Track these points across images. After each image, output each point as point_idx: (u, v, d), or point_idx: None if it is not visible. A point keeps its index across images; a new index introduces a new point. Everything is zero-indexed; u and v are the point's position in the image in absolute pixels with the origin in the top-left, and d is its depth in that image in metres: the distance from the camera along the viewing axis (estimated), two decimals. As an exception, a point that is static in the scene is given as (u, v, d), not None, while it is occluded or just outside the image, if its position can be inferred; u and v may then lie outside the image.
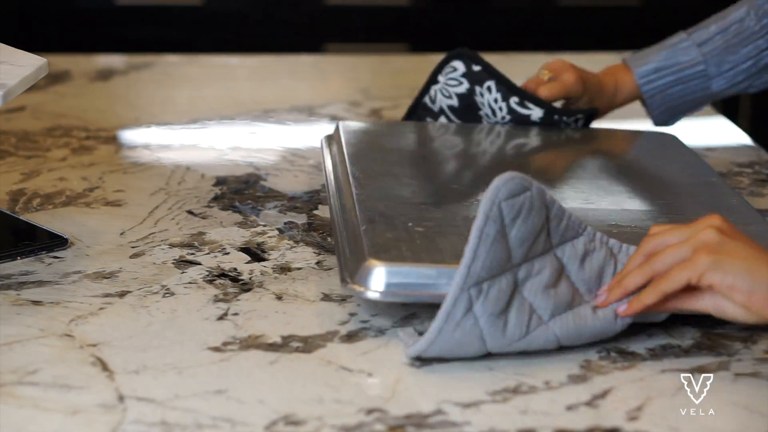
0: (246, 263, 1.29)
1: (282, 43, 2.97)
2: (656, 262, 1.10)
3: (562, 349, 1.12)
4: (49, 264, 1.28)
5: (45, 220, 1.39)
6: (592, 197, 1.34)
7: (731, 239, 1.09)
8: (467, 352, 1.08)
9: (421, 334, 1.13)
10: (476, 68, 1.58)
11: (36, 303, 1.20)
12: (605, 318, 1.11)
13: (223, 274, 1.26)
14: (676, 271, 1.08)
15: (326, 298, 1.22)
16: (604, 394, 1.05)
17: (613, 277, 1.13)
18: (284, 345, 1.12)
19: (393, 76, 2.11)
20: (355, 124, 1.56)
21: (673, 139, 1.58)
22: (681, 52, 1.60)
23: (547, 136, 1.55)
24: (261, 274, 1.27)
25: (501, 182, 1.09)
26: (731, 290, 1.07)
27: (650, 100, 1.63)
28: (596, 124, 1.64)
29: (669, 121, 1.65)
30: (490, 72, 1.57)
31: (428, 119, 1.59)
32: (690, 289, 1.09)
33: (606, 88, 1.62)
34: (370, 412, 1.02)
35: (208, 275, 1.26)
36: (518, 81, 1.59)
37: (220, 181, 1.54)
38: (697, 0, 3.07)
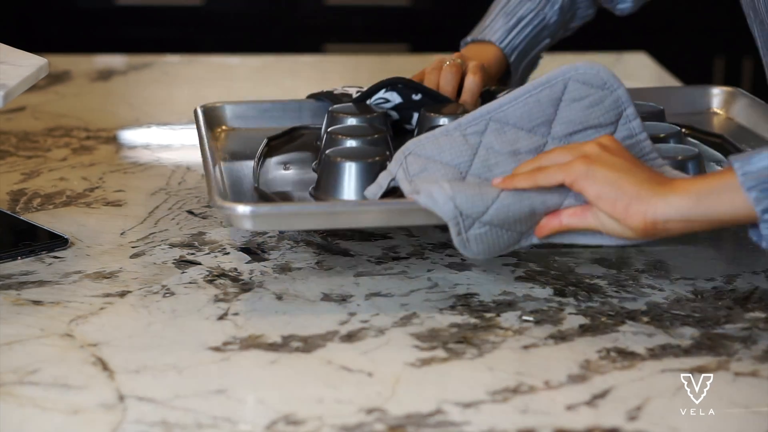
0: (246, 263, 1.29)
1: (282, 43, 2.97)
2: (541, 160, 1.18)
3: (562, 348, 1.12)
4: (50, 264, 1.29)
5: (45, 220, 1.39)
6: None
7: (611, 154, 1.14)
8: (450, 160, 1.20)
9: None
10: (416, 97, 1.48)
11: (36, 303, 1.20)
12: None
13: (223, 274, 1.26)
14: (552, 169, 1.15)
15: (326, 298, 1.22)
16: (604, 394, 1.05)
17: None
18: (284, 345, 1.12)
19: (393, 76, 2.11)
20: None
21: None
22: (517, 7, 1.60)
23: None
24: (261, 274, 1.27)
25: (581, 65, 1.22)
26: (598, 199, 1.13)
27: (514, 62, 1.60)
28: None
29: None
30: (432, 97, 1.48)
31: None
32: (581, 208, 1.16)
33: (490, 72, 1.58)
34: (370, 412, 1.02)
35: (208, 275, 1.26)
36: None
37: (220, 181, 1.54)
38: (695, 1, 3.07)
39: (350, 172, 1.26)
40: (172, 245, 1.34)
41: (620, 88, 1.24)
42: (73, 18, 3.03)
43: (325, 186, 1.28)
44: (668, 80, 2.04)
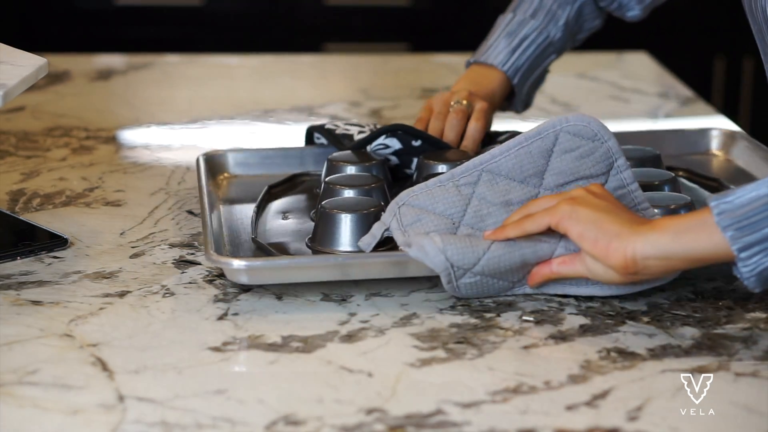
0: (246, 263, 1.29)
1: (282, 43, 2.97)
2: (529, 208, 1.21)
3: (562, 348, 1.12)
4: (49, 264, 1.28)
5: (45, 220, 1.39)
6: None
7: (596, 197, 1.17)
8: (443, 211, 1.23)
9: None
10: (416, 143, 1.48)
11: (36, 303, 1.20)
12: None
13: (223, 274, 1.26)
14: (539, 215, 1.18)
15: (326, 298, 1.22)
16: (604, 394, 1.05)
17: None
18: (284, 345, 1.12)
19: (393, 76, 2.11)
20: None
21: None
22: (519, 26, 1.60)
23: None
24: (261, 274, 1.27)
25: (572, 117, 1.25)
26: (581, 238, 1.15)
27: (518, 83, 1.60)
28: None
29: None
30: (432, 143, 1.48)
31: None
32: (570, 256, 1.19)
33: (494, 100, 1.58)
34: (370, 412, 1.02)
35: (207, 275, 1.26)
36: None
37: (220, 181, 1.54)
38: (695, 1, 3.07)
39: (346, 224, 1.28)
40: (172, 245, 1.33)
41: (611, 140, 1.26)
42: (73, 18, 3.03)
43: (321, 237, 1.29)
44: (668, 80, 2.04)
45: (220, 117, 1.83)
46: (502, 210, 1.23)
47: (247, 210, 1.39)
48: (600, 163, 1.25)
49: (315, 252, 1.28)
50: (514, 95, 1.61)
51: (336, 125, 1.54)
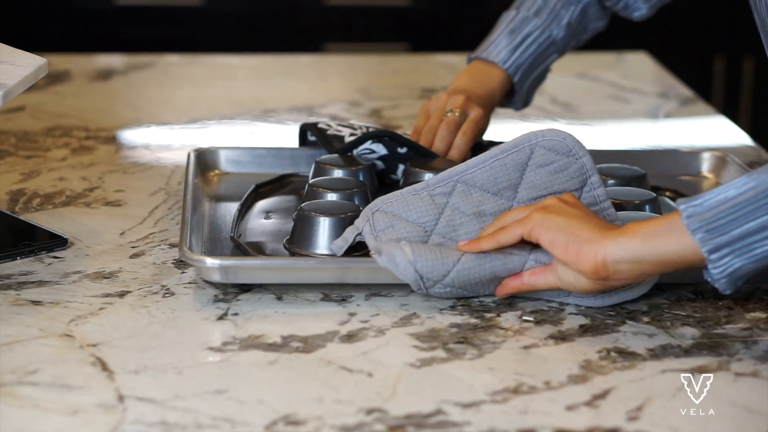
0: (246, 263, 1.29)
1: (282, 43, 2.97)
2: (503, 218, 1.22)
3: (562, 348, 1.12)
4: (49, 264, 1.28)
5: (45, 220, 1.39)
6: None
7: (568, 206, 1.18)
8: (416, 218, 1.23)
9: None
10: (401, 150, 1.49)
11: (36, 303, 1.20)
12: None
13: (223, 274, 1.26)
14: (512, 226, 1.19)
15: (326, 298, 1.22)
16: (604, 394, 1.05)
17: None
18: (284, 345, 1.12)
19: (393, 76, 2.11)
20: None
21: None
22: (522, 24, 1.59)
23: None
24: (261, 274, 1.27)
25: (548, 131, 1.27)
26: (552, 244, 1.16)
27: (518, 81, 1.60)
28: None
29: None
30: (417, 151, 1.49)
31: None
32: (541, 268, 1.19)
33: (494, 98, 1.59)
34: (370, 412, 1.02)
35: (208, 275, 1.26)
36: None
37: (220, 181, 1.54)
38: (695, 1, 3.07)
39: (323, 227, 1.28)
40: (172, 245, 1.33)
41: (585, 156, 1.27)
42: (73, 18, 3.03)
43: (298, 239, 1.29)
44: (668, 80, 2.04)
45: (220, 117, 1.83)
46: (475, 221, 1.24)
47: (233, 208, 1.40)
48: (574, 179, 1.26)
49: (291, 253, 1.28)
50: (515, 93, 1.61)
51: (329, 125, 1.55)
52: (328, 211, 1.29)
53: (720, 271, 1.11)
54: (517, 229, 1.18)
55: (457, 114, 1.52)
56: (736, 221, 1.10)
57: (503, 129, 1.71)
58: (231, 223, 1.35)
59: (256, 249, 1.29)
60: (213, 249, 1.30)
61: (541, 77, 1.63)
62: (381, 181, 1.48)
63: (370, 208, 1.25)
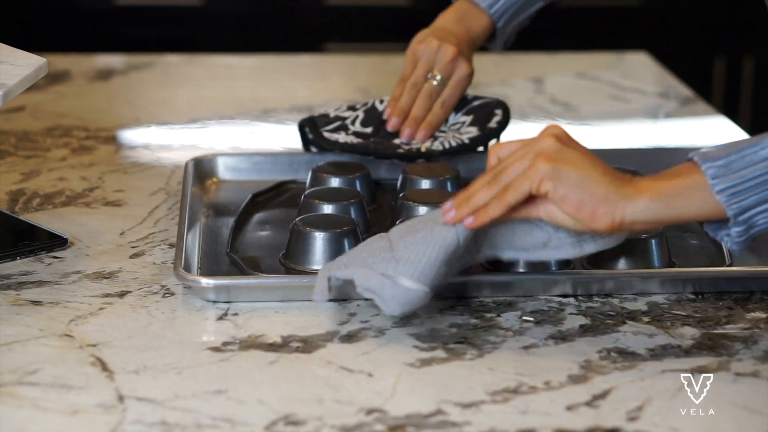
0: (246, 263, 1.29)
1: (282, 43, 2.97)
2: (502, 176, 1.12)
3: (562, 348, 1.12)
4: (49, 264, 1.28)
5: (45, 220, 1.39)
6: None
7: (568, 147, 1.11)
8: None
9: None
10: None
11: (36, 303, 1.20)
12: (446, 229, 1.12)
13: (223, 274, 1.26)
14: (518, 181, 1.11)
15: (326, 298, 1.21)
16: (604, 394, 1.05)
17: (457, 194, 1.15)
18: (284, 345, 1.12)
19: (393, 76, 2.10)
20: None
21: None
22: None
23: None
24: (261, 274, 1.27)
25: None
26: (562, 201, 1.10)
27: (501, 26, 1.60)
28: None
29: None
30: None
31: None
32: (526, 202, 1.12)
33: (476, 43, 1.60)
34: (370, 412, 1.02)
35: (208, 275, 1.26)
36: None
37: (220, 181, 1.54)
38: (695, 1, 3.07)
39: (318, 242, 1.27)
40: (172, 245, 1.33)
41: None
42: (73, 18, 3.03)
43: (293, 254, 1.28)
44: (668, 80, 2.04)
45: (220, 117, 1.83)
46: (427, 216, 1.16)
47: (230, 220, 1.38)
48: None
49: (287, 269, 1.27)
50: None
51: (330, 109, 1.57)
52: (322, 225, 1.28)
53: (741, 231, 1.09)
54: (524, 184, 1.11)
55: (438, 80, 1.54)
56: (765, 183, 1.08)
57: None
58: (227, 238, 1.34)
59: (253, 264, 1.28)
60: (209, 265, 1.29)
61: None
62: (378, 187, 1.47)
63: (323, 271, 1.17)
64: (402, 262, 1.12)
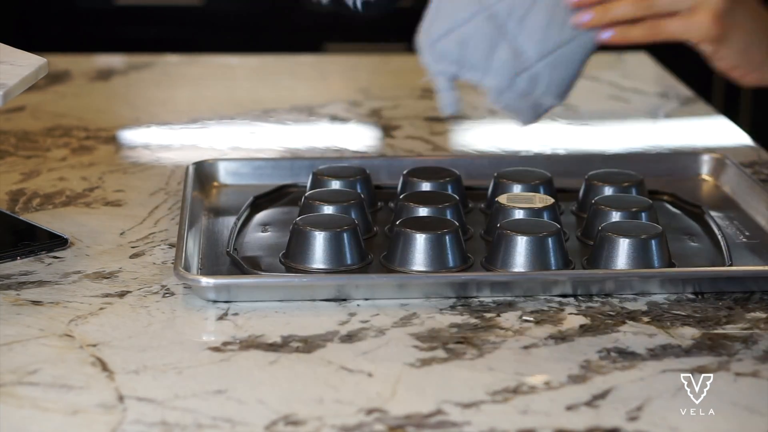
0: (246, 263, 1.29)
1: (282, 43, 2.97)
2: (657, 2, 1.04)
3: (562, 348, 1.12)
4: (49, 264, 1.28)
5: (45, 220, 1.39)
6: None
7: (739, 4, 1.02)
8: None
9: None
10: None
11: (36, 303, 1.20)
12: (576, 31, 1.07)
13: (223, 274, 1.26)
14: (676, 24, 1.03)
15: (326, 298, 1.22)
16: (604, 394, 1.05)
17: None
18: (284, 345, 1.12)
19: (393, 76, 2.11)
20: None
21: None
22: None
23: None
24: (261, 274, 1.27)
25: None
26: (719, 60, 1.04)
27: None
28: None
29: None
30: None
31: None
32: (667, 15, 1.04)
33: None
34: (370, 412, 1.02)
35: (208, 275, 1.26)
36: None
37: (220, 181, 1.54)
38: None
39: (318, 241, 1.27)
40: (172, 245, 1.33)
41: None
42: (73, 18, 3.03)
43: (293, 253, 1.28)
44: (668, 80, 2.04)
45: (220, 117, 1.83)
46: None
47: (231, 221, 1.39)
48: None
49: (287, 268, 1.28)
50: None
51: None
52: (323, 225, 1.28)
53: None
54: (682, 32, 1.02)
55: None
56: None
57: (503, 129, 1.71)
58: (227, 238, 1.34)
59: (253, 264, 1.28)
60: (210, 265, 1.29)
61: None
62: (378, 189, 1.47)
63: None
64: (548, 83, 1.11)
